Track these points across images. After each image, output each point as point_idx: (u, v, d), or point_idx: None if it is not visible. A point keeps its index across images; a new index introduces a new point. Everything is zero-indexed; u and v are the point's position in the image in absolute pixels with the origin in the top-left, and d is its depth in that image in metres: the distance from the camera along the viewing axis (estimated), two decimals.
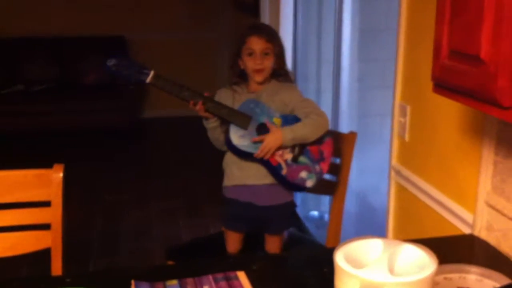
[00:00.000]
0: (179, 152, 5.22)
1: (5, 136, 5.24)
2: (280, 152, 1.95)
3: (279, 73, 2.05)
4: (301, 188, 2.01)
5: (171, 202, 4.08)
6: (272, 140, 1.91)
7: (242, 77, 2.04)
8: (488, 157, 1.46)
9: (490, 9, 0.96)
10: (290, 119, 1.97)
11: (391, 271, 0.95)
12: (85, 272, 2.99)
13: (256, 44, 1.96)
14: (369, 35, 2.98)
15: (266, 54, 1.97)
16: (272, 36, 2.01)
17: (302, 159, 1.96)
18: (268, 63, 1.98)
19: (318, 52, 3.45)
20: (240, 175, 2.02)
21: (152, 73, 1.91)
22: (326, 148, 2.00)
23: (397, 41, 1.93)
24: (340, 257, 0.94)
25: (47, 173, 1.66)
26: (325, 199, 3.41)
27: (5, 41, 5.65)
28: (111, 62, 1.90)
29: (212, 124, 1.98)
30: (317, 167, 1.97)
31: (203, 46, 6.24)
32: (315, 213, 3.60)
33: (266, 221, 2.06)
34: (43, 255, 1.77)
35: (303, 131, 1.93)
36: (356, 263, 0.96)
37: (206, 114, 1.95)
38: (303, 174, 1.96)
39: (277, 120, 1.96)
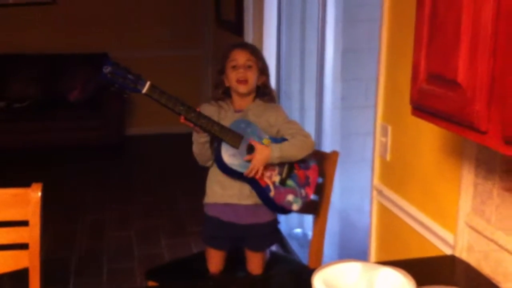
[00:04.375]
0: (161, 170, 5.18)
1: None
2: (268, 173, 1.95)
3: (264, 92, 2.05)
4: (286, 211, 2.01)
5: (152, 220, 4.04)
6: (260, 158, 1.91)
7: (226, 94, 2.05)
8: (468, 178, 1.47)
9: (467, 34, 0.97)
10: (279, 141, 1.99)
11: None
12: None
13: (239, 55, 1.98)
14: (352, 55, 3.01)
15: (249, 66, 1.98)
16: (255, 50, 2.04)
17: (290, 182, 1.97)
18: (251, 75, 1.99)
19: (302, 71, 3.47)
20: (222, 194, 2.01)
21: (148, 84, 1.86)
22: (312, 173, 2.02)
23: (378, 63, 1.94)
24: (318, 282, 0.94)
25: (25, 192, 1.64)
26: (309, 217, 3.40)
27: None
28: (106, 70, 1.84)
29: (202, 139, 1.97)
30: (303, 192, 1.99)
31: (187, 64, 6.26)
32: (298, 231, 3.59)
33: (248, 238, 2.05)
34: (23, 274, 1.73)
35: (290, 149, 1.95)
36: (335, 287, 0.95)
37: (197, 129, 1.93)
38: (290, 197, 1.97)
39: (266, 141, 1.98)
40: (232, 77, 1.98)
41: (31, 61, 5.73)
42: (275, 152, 1.92)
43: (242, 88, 1.99)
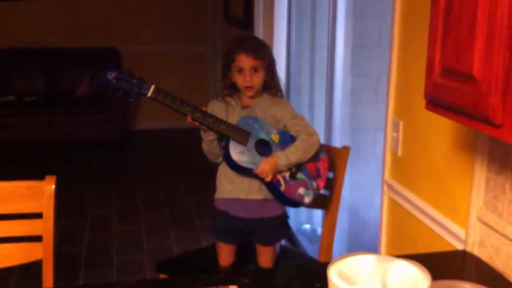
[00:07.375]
0: (166, 165, 5.19)
1: None
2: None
3: (270, 85, 2.05)
4: (298, 204, 2.02)
5: (159, 215, 4.05)
6: (267, 167, 1.92)
7: (233, 88, 2.05)
8: (480, 173, 1.47)
9: (482, 27, 0.97)
10: (287, 136, 1.99)
11: (384, 287, 0.95)
12: (76, 285, 2.97)
13: (245, 62, 1.95)
14: (362, 50, 3.00)
15: (256, 70, 1.98)
16: (260, 51, 1.99)
17: (300, 175, 1.98)
18: (258, 79, 1.98)
19: (312, 66, 3.47)
20: (232, 189, 2.02)
21: (152, 87, 1.87)
22: (322, 165, 2.01)
23: (390, 57, 1.94)
24: (333, 273, 0.94)
25: (39, 185, 1.65)
26: (318, 213, 3.41)
27: None
28: (111, 76, 1.85)
29: (210, 137, 1.97)
30: (314, 184, 1.99)
31: (195, 59, 6.27)
32: (307, 226, 3.59)
33: (257, 232, 2.06)
34: (33, 267, 1.75)
35: (296, 155, 1.95)
36: (349, 279, 0.96)
37: (204, 128, 1.94)
38: (301, 190, 1.97)
39: (275, 136, 1.98)
40: (238, 81, 1.98)
41: (37, 55, 5.75)
42: (282, 160, 1.93)
43: (249, 93, 1.99)
